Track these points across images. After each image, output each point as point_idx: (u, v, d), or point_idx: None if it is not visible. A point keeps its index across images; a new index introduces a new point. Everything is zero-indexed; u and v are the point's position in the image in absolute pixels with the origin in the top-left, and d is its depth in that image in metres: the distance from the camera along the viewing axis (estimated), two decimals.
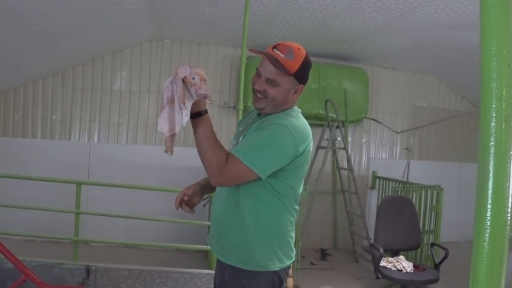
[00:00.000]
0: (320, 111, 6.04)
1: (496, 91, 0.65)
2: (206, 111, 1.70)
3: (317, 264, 5.45)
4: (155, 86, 6.06)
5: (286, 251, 1.83)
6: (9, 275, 3.39)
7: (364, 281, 5.06)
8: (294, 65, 1.71)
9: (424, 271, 4.10)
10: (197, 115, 1.69)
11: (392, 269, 4.05)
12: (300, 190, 1.86)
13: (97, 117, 5.97)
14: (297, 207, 1.87)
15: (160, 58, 6.06)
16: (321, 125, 6.07)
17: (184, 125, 1.65)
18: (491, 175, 0.65)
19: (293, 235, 1.89)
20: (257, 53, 1.73)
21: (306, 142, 1.74)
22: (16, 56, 4.73)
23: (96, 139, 5.98)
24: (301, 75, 1.76)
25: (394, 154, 7.15)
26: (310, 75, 1.85)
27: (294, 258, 1.90)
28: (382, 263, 4.10)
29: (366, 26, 4.99)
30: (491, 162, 0.65)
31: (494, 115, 0.65)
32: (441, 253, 4.13)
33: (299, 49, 1.76)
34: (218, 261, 1.92)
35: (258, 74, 1.77)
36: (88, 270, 3.48)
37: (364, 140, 6.95)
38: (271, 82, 1.73)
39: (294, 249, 1.91)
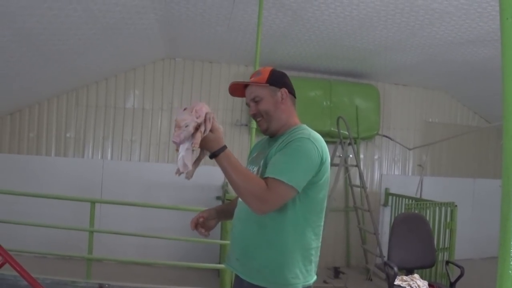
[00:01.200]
0: (332, 128, 6.05)
1: None
2: (223, 149, 1.67)
3: (330, 283, 5.39)
4: (168, 104, 6.12)
5: (310, 268, 1.83)
6: None
7: None
8: (264, 76, 1.87)
9: None
10: (213, 155, 1.68)
11: (407, 287, 3.99)
12: (324, 205, 1.86)
13: (110, 134, 6.03)
14: (321, 224, 1.86)
15: (172, 76, 6.14)
16: (333, 142, 6.07)
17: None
18: None
19: (317, 252, 1.86)
20: (236, 83, 1.92)
21: (326, 151, 1.78)
22: (31, 75, 4.82)
23: (109, 156, 6.04)
24: (274, 79, 1.88)
25: (406, 171, 7.10)
26: (294, 85, 1.97)
27: (315, 277, 1.88)
28: (396, 282, 4.04)
29: (377, 43, 5.01)
30: None
31: None
32: (456, 271, 4.06)
33: (264, 67, 1.93)
34: (238, 280, 1.89)
35: (247, 105, 1.93)
36: None
37: (376, 157, 6.92)
38: (255, 100, 1.87)
39: (314, 267, 1.87)
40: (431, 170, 7.14)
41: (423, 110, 7.13)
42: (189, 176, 1.66)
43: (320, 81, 6.33)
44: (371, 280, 5.78)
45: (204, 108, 1.63)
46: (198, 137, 1.58)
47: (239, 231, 1.88)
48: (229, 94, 2.05)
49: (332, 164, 5.75)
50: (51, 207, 5.16)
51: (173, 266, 5.62)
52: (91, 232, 3.98)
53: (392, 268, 3.89)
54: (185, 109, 1.62)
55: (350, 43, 5.07)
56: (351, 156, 5.97)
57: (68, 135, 5.95)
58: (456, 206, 5.16)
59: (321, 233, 1.87)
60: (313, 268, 1.86)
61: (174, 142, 1.60)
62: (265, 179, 1.65)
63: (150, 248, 5.70)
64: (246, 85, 1.93)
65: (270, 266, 1.76)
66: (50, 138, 5.90)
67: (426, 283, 4.07)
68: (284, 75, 1.97)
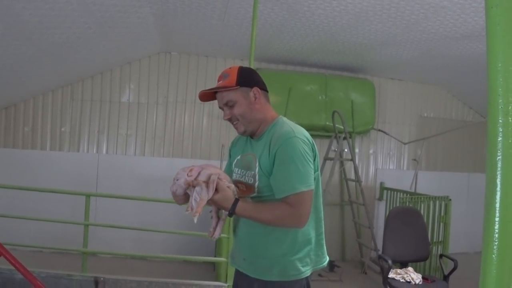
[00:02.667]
0: (327, 123, 6.06)
1: (502, 106, 0.67)
2: (235, 205, 1.69)
3: (325, 276, 5.42)
4: (163, 98, 6.12)
5: (321, 252, 1.90)
6: (18, 286, 3.41)
7: None
8: (232, 78, 1.81)
9: (433, 282, 4.07)
10: (230, 214, 1.71)
11: (401, 280, 4.02)
12: (320, 186, 1.89)
13: (106, 129, 6.02)
14: (322, 207, 1.91)
15: (168, 70, 6.13)
16: (328, 137, 6.09)
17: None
18: (498, 188, 0.66)
19: (323, 234, 1.92)
20: (205, 91, 1.87)
21: (310, 137, 1.82)
22: (26, 69, 4.80)
23: (104, 150, 6.03)
24: (243, 80, 1.82)
25: (401, 165, 7.13)
26: (265, 79, 1.96)
27: (327, 258, 1.94)
28: (391, 275, 4.07)
29: (373, 37, 5.02)
30: (499, 176, 0.66)
31: (501, 130, 0.67)
32: (450, 264, 4.10)
33: (230, 68, 1.87)
34: (243, 275, 1.92)
35: (220, 108, 1.89)
36: (96, 282, 3.49)
37: (371, 151, 6.94)
38: (228, 105, 1.83)
39: (325, 248, 1.94)
40: (425, 164, 7.17)
41: (418, 104, 7.15)
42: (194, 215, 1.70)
43: (316, 75, 6.33)
44: (365, 273, 5.81)
45: (198, 169, 1.70)
46: (201, 202, 1.64)
47: (245, 232, 1.90)
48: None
49: (327, 158, 5.82)
50: (47, 202, 5.16)
51: (169, 260, 5.65)
52: (86, 226, 3.98)
53: (387, 261, 3.92)
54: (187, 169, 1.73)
55: (346, 37, 5.07)
56: (346, 150, 5.99)
57: (63, 129, 5.94)
58: (450, 200, 5.19)
59: (322, 215, 1.93)
60: (325, 250, 1.92)
61: (172, 192, 1.74)
62: (286, 198, 1.67)
63: (145, 242, 5.71)
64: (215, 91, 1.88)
65: (281, 261, 1.79)
66: (45, 132, 5.89)
67: (420, 276, 4.11)
68: (253, 71, 1.95)
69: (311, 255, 1.84)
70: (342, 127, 5.64)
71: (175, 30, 5.15)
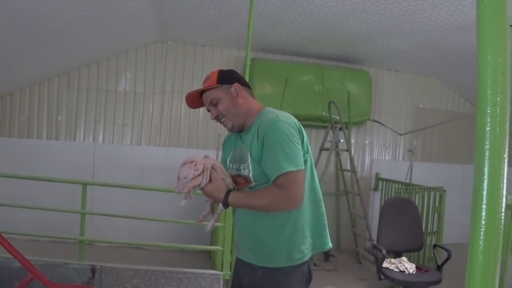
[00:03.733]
0: (324, 113, 6.08)
1: (491, 97, 0.69)
2: (227, 196, 1.76)
3: (320, 265, 5.47)
4: (160, 88, 6.11)
5: (326, 233, 1.95)
6: (15, 274, 3.43)
7: (367, 282, 5.08)
8: (213, 79, 1.91)
9: (427, 272, 4.11)
10: (224, 205, 1.78)
11: (395, 270, 4.06)
12: (314, 168, 1.94)
13: (102, 118, 6.02)
14: (320, 196, 1.96)
15: (164, 59, 6.11)
16: (324, 127, 6.11)
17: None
18: (486, 176, 0.68)
19: (324, 223, 1.95)
20: (191, 94, 1.96)
21: (295, 120, 1.86)
22: (22, 57, 4.78)
23: (101, 140, 6.03)
24: (224, 78, 1.92)
25: (397, 156, 7.17)
26: (243, 75, 2.05)
27: (328, 245, 1.97)
28: (385, 264, 4.12)
29: (370, 28, 5.02)
30: (486, 164, 0.68)
31: (489, 120, 0.69)
32: (444, 255, 4.14)
33: (211, 71, 1.98)
34: (245, 264, 1.96)
35: (208, 110, 1.97)
36: (93, 270, 3.51)
37: (367, 142, 6.97)
38: (212, 103, 1.91)
39: (327, 235, 1.97)
40: (421, 155, 7.21)
41: (414, 96, 7.17)
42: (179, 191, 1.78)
43: (313, 66, 6.33)
44: (360, 263, 5.87)
45: (203, 161, 1.77)
46: (192, 181, 1.73)
47: (247, 223, 1.93)
48: None
49: (323, 149, 5.84)
50: (43, 191, 5.17)
51: (165, 249, 5.68)
52: (83, 214, 3.99)
53: (381, 251, 3.95)
54: (188, 163, 1.78)
55: (343, 28, 5.07)
56: (342, 140, 6.01)
57: (59, 118, 5.93)
58: (445, 191, 5.22)
59: (321, 197, 1.97)
60: (328, 233, 1.97)
61: (178, 192, 1.77)
62: (275, 180, 1.71)
63: (142, 231, 5.74)
64: (201, 94, 1.96)
65: (286, 247, 1.83)
66: (41, 121, 5.88)
67: (413, 265, 4.15)
68: (233, 71, 2.02)
69: (314, 237, 1.90)
70: (338, 118, 5.66)
71: (171, 19, 5.13)
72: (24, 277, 2.90)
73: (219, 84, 1.89)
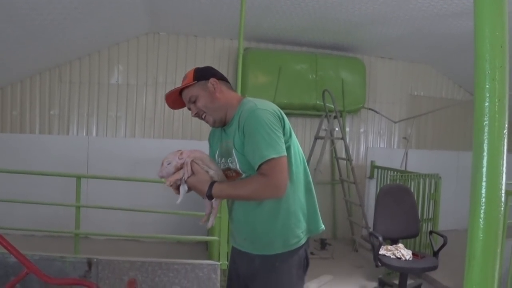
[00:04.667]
0: (318, 102, 6.06)
1: (489, 72, 0.67)
2: (210, 188, 1.77)
3: (317, 254, 5.49)
4: (153, 79, 6.07)
5: (317, 217, 1.96)
6: (11, 270, 3.41)
7: (364, 270, 5.10)
8: (190, 77, 1.93)
9: (423, 258, 4.13)
10: (208, 197, 1.80)
11: (391, 257, 4.08)
12: (300, 154, 1.94)
13: (95, 111, 5.97)
14: (310, 178, 1.96)
15: (157, 51, 6.06)
16: (319, 116, 6.10)
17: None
18: (485, 153, 0.67)
19: (315, 206, 1.97)
20: (169, 93, 1.99)
21: (275, 106, 1.86)
22: (12, 52, 4.72)
23: (94, 133, 5.99)
24: (200, 75, 1.93)
25: (392, 144, 7.18)
26: (220, 70, 2.05)
27: (321, 227, 1.98)
28: (382, 252, 4.13)
29: (363, 15, 4.99)
30: (485, 141, 0.67)
31: (488, 95, 0.67)
32: (440, 241, 4.16)
33: (189, 71, 1.99)
34: (242, 252, 1.97)
35: (188, 109, 1.98)
36: (90, 263, 3.50)
37: (362, 130, 6.97)
38: (191, 100, 1.92)
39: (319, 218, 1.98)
40: (416, 143, 7.22)
41: (408, 83, 7.17)
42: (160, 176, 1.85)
43: (306, 54, 6.30)
44: (357, 251, 5.90)
45: (188, 153, 1.81)
46: (175, 175, 1.77)
47: (241, 214, 1.94)
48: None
49: (318, 137, 5.83)
50: (37, 186, 5.13)
51: (161, 241, 5.67)
52: (78, 208, 3.97)
53: (377, 238, 3.96)
54: (175, 151, 1.84)
55: (336, 15, 5.04)
56: (336, 129, 6.00)
57: (52, 112, 5.88)
58: (440, 178, 5.23)
59: (311, 179, 1.98)
60: (319, 217, 1.97)
61: (160, 177, 1.84)
62: (259, 169, 1.71)
63: (138, 224, 5.72)
64: (181, 94, 1.98)
65: (281, 233, 1.85)
66: (33, 115, 5.83)
67: (410, 252, 4.16)
68: (209, 67, 2.02)
69: (308, 220, 1.91)
70: (332, 106, 5.64)
71: (163, 9, 5.08)
72: (20, 272, 2.88)
73: (196, 81, 1.90)
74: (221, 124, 1.95)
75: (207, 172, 1.80)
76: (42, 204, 4.33)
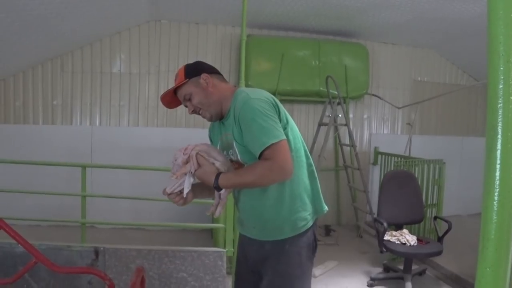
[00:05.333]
0: (321, 88, 6.04)
1: (503, 54, 0.66)
2: (217, 179, 1.77)
3: (322, 240, 5.51)
4: (155, 68, 6.05)
5: (320, 199, 1.98)
6: (19, 259, 3.43)
7: (368, 255, 5.13)
8: (181, 75, 1.94)
9: (428, 244, 4.15)
10: (216, 189, 1.81)
11: (396, 242, 4.10)
12: (301, 142, 1.95)
13: (98, 100, 5.97)
14: (311, 161, 1.98)
15: (158, 39, 6.03)
16: (322, 102, 6.08)
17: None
18: (499, 136, 0.66)
19: (318, 187, 1.98)
20: (164, 95, 1.99)
21: (268, 94, 1.86)
22: (13, 42, 4.70)
23: (97, 122, 5.99)
24: (190, 72, 1.94)
25: (395, 130, 7.16)
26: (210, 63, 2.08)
27: (325, 208, 2.00)
28: (386, 237, 4.15)
29: (366, 0, 4.94)
30: (500, 123, 0.66)
31: (502, 77, 0.66)
32: (444, 226, 4.17)
33: (179, 69, 1.99)
34: (252, 239, 1.99)
35: (185, 106, 1.99)
36: (96, 252, 3.52)
37: (365, 116, 6.95)
38: (186, 98, 1.94)
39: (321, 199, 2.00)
40: (419, 128, 7.20)
41: (412, 69, 7.13)
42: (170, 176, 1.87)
43: (309, 40, 6.26)
44: (361, 237, 5.92)
45: (192, 147, 1.83)
46: (182, 169, 1.80)
47: (248, 203, 1.95)
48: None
49: (321, 124, 5.81)
50: (42, 176, 5.14)
51: (167, 229, 5.71)
52: (84, 197, 3.99)
53: (382, 224, 3.98)
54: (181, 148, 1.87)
55: (339, 1, 4.99)
56: (340, 115, 5.98)
57: (55, 102, 5.87)
58: (444, 163, 5.22)
59: (312, 162, 1.99)
60: (322, 198, 1.99)
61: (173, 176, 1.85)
62: (261, 157, 1.72)
63: (143, 213, 5.74)
64: (175, 93, 1.99)
65: (289, 218, 1.87)
66: (36, 106, 5.82)
67: (414, 237, 4.18)
68: (198, 62, 2.04)
69: (313, 202, 1.94)
70: (336, 93, 5.62)
71: None
72: (28, 261, 2.90)
73: (187, 79, 1.91)
74: (218, 118, 1.97)
75: (213, 163, 1.81)
76: (47, 194, 4.34)
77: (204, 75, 1.92)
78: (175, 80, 1.96)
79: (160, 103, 2.01)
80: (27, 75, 5.76)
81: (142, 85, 6.05)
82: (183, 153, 1.82)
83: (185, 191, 1.81)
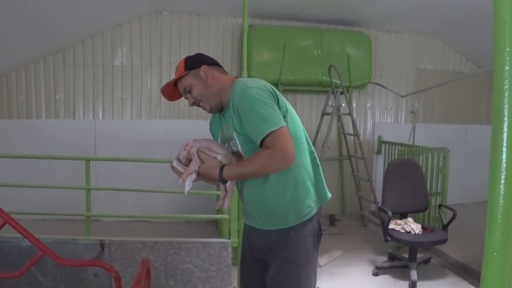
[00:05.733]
0: (324, 78, 6.01)
1: (510, 34, 0.65)
2: (221, 173, 1.79)
3: (326, 230, 5.51)
4: (157, 60, 6.03)
5: (323, 185, 1.97)
6: (25, 253, 3.45)
7: (373, 245, 5.13)
8: (181, 67, 1.95)
9: (433, 232, 4.14)
10: (221, 181, 1.82)
11: (401, 231, 4.09)
12: (302, 130, 1.94)
13: (101, 94, 5.96)
14: (313, 149, 1.98)
15: (160, 31, 6.01)
16: (325, 92, 6.05)
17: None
18: (506, 118, 0.65)
19: (321, 174, 1.98)
20: (165, 87, 1.99)
21: (265, 83, 1.86)
22: (14, 37, 4.69)
23: (100, 116, 6.00)
24: (190, 64, 1.95)
25: (399, 118, 7.13)
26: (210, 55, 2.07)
27: (329, 195, 2.00)
28: (391, 226, 4.14)
29: None
30: (506, 105, 0.65)
31: (508, 59, 0.65)
32: (449, 215, 4.16)
33: (179, 61, 1.99)
34: (256, 229, 1.99)
35: (186, 98, 2.00)
36: (102, 244, 3.53)
37: (368, 105, 6.92)
38: (186, 90, 1.95)
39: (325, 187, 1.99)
40: (423, 117, 7.17)
41: (415, 57, 7.08)
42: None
43: (311, 30, 6.22)
44: (366, 226, 5.92)
45: (193, 143, 1.86)
46: (187, 170, 1.83)
47: (251, 193, 1.94)
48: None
49: (324, 113, 5.79)
50: (46, 171, 5.14)
51: (171, 221, 5.72)
52: (88, 190, 3.99)
53: (387, 213, 3.97)
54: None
55: None
56: (343, 105, 5.96)
57: (57, 96, 5.87)
58: (448, 151, 5.20)
59: (313, 149, 1.99)
60: (325, 185, 1.99)
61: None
62: (262, 145, 1.72)
63: (148, 205, 5.76)
64: (176, 85, 1.99)
65: (294, 205, 1.87)
66: (39, 101, 5.83)
67: (419, 226, 4.18)
68: (198, 54, 2.04)
69: (317, 189, 1.94)
70: (339, 82, 5.59)
71: None
72: (34, 255, 2.92)
73: (187, 71, 1.92)
74: (218, 110, 1.97)
75: (215, 158, 1.82)
76: (52, 188, 4.35)
77: (204, 67, 1.92)
78: (175, 72, 1.97)
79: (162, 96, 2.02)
80: (29, 70, 5.75)
81: (144, 77, 6.04)
82: (183, 149, 1.84)
83: (186, 189, 1.82)
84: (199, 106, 1.97)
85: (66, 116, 5.91)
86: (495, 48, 0.66)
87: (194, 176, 1.83)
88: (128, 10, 5.60)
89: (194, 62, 1.95)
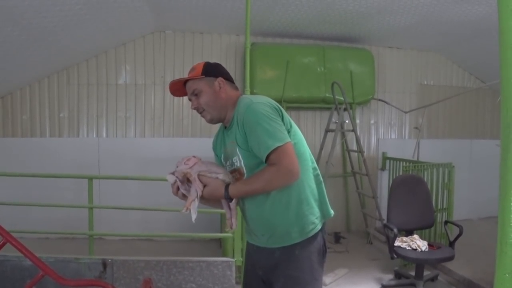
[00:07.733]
0: (327, 94, 6.01)
1: None
2: (227, 191, 1.79)
3: (331, 248, 5.45)
4: (160, 78, 6.06)
5: (325, 202, 1.96)
6: (27, 273, 3.43)
7: (379, 262, 5.06)
8: (199, 70, 1.93)
9: (439, 249, 4.08)
10: (228, 199, 1.83)
11: (407, 248, 4.04)
12: (305, 147, 1.93)
13: (104, 112, 5.98)
14: (316, 165, 1.97)
15: (163, 49, 6.05)
16: (329, 108, 6.05)
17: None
18: None
19: (324, 191, 1.97)
20: (175, 82, 1.98)
21: (270, 100, 1.86)
22: (19, 56, 4.73)
23: (104, 134, 6.00)
24: (209, 70, 1.93)
25: (403, 134, 7.11)
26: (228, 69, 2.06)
27: (331, 212, 1.99)
28: (397, 243, 4.09)
29: (369, 5, 4.93)
30: None
31: None
32: (455, 231, 4.11)
33: (198, 63, 1.99)
34: (260, 248, 1.97)
35: (189, 100, 1.99)
36: (104, 264, 3.51)
37: (372, 122, 6.91)
38: (195, 93, 1.93)
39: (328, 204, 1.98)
40: (427, 132, 7.14)
41: (418, 72, 7.09)
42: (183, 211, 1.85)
43: (313, 47, 6.25)
44: (371, 243, 5.85)
45: (194, 161, 1.83)
46: (189, 198, 1.81)
47: (254, 211, 1.93)
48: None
49: (328, 130, 5.78)
50: (50, 189, 5.14)
51: (175, 240, 5.67)
52: (91, 209, 3.98)
53: (392, 230, 3.92)
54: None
55: (342, 6, 4.98)
56: (347, 121, 5.94)
57: (61, 115, 5.90)
58: (453, 166, 5.16)
59: (316, 166, 1.98)
60: (328, 202, 1.98)
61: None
62: (267, 160, 1.72)
63: (151, 223, 5.72)
64: (185, 83, 1.98)
65: (296, 223, 1.86)
66: (43, 119, 5.85)
67: (425, 243, 4.12)
68: (218, 64, 2.03)
69: (320, 205, 1.92)
70: (342, 98, 5.59)
71: (168, 7, 5.06)
72: (35, 275, 2.89)
73: (204, 76, 1.91)
74: (217, 122, 1.98)
75: (217, 178, 1.82)
76: (55, 207, 4.34)
77: (220, 79, 1.93)
78: (190, 72, 1.95)
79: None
80: (33, 89, 5.79)
81: (148, 95, 6.06)
82: (184, 163, 1.82)
83: (193, 217, 1.80)
84: (199, 112, 1.96)
85: (70, 134, 5.93)
86: (502, 62, 0.64)
87: (197, 202, 1.81)
88: (132, 29, 5.65)
89: (213, 70, 1.95)
